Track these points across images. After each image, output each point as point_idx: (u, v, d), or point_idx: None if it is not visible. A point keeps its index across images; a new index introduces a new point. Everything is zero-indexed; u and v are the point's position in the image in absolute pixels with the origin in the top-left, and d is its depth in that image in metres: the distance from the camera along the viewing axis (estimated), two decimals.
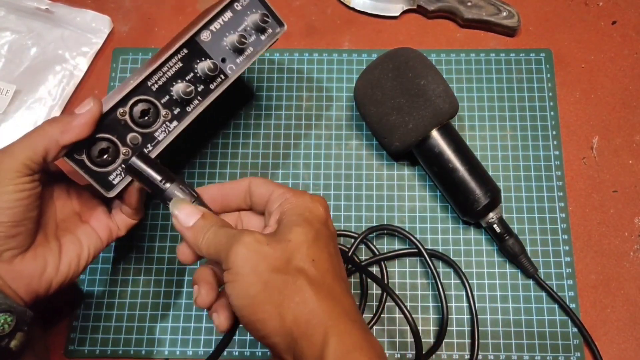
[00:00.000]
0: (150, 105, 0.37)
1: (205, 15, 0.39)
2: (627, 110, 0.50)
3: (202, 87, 0.39)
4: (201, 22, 0.38)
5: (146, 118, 0.37)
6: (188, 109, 0.39)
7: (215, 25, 0.38)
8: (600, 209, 0.47)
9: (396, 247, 0.47)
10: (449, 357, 0.43)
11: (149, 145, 0.37)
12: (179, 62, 0.37)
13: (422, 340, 0.43)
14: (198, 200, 0.34)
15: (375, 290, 0.45)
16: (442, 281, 0.44)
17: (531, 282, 0.45)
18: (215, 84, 0.39)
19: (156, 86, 0.37)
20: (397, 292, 0.45)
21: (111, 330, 0.45)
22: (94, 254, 0.38)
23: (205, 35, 0.38)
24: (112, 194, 0.37)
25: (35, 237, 0.35)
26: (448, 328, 0.44)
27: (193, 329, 0.45)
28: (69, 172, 0.37)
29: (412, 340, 0.43)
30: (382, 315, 0.44)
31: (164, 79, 0.37)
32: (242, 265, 0.29)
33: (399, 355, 0.44)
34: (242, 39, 0.38)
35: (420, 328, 0.44)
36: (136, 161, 0.35)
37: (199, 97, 0.39)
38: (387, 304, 0.45)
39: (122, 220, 0.40)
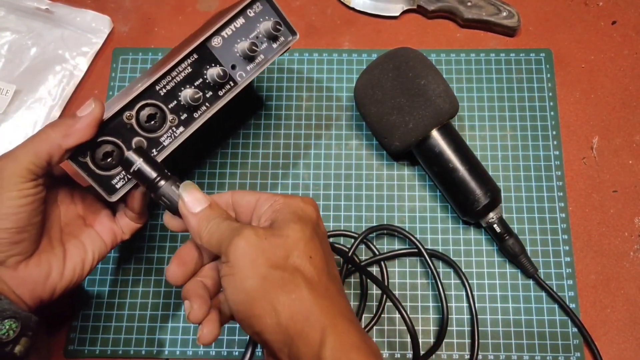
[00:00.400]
0: (157, 109, 0.37)
1: (216, 21, 0.38)
2: (627, 110, 0.50)
3: (210, 93, 0.38)
4: (213, 27, 0.37)
5: (152, 122, 0.37)
6: (195, 115, 0.38)
7: (227, 32, 0.38)
8: (600, 209, 0.47)
9: (396, 247, 0.47)
10: (449, 357, 0.43)
11: (154, 150, 0.37)
12: (189, 67, 0.37)
13: (423, 340, 0.44)
14: None
15: (375, 290, 0.45)
16: (442, 281, 0.44)
17: (531, 282, 0.45)
18: (224, 90, 0.39)
19: (164, 91, 0.37)
20: (397, 292, 0.45)
21: (111, 330, 0.45)
22: (99, 259, 0.38)
23: (216, 41, 0.38)
24: (115, 198, 0.36)
25: (39, 242, 0.35)
26: (448, 328, 0.44)
27: (193, 329, 0.45)
28: (72, 173, 0.37)
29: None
30: (382, 316, 0.44)
31: (172, 84, 0.37)
32: (241, 258, 0.29)
33: (399, 355, 0.44)
34: (254, 47, 0.38)
35: (420, 328, 0.44)
36: (132, 155, 0.34)
37: (207, 104, 0.38)
38: (387, 304, 0.45)
39: (126, 224, 0.39)
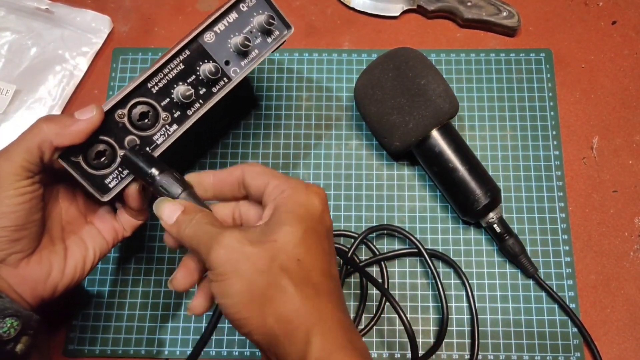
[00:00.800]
0: (150, 107, 0.36)
1: (209, 16, 0.38)
2: (627, 110, 0.50)
3: (204, 90, 0.38)
4: (205, 22, 0.37)
5: (145, 121, 0.36)
6: (189, 112, 0.38)
7: (220, 27, 0.37)
8: (600, 209, 0.47)
9: (396, 247, 0.47)
10: (449, 357, 0.43)
11: (147, 149, 0.37)
12: (181, 64, 0.37)
13: (423, 340, 0.44)
14: (188, 190, 0.33)
15: (374, 290, 0.45)
16: (442, 281, 0.44)
17: (531, 282, 0.45)
18: (217, 87, 0.38)
19: (156, 88, 0.36)
20: (397, 292, 0.45)
21: (111, 330, 0.45)
22: (100, 256, 0.38)
23: (208, 37, 0.37)
24: (107, 197, 0.36)
25: (40, 239, 0.35)
26: (448, 328, 0.44)
27: (193, 329, 0.45)
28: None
29: None
30: (382, 316, 0.44)
31: (164, 81, 0.36)
32: (223, 266, 0.29)
33: (398, 355, 0.44)
34: (247, 42, 0.37)
35: (420, 328, 0.44)
36: (128, 153, 0.34)
37: (200, 100, 0.38)
38: (386, 304, 0.45)
39: (127, 221, 0.39)
